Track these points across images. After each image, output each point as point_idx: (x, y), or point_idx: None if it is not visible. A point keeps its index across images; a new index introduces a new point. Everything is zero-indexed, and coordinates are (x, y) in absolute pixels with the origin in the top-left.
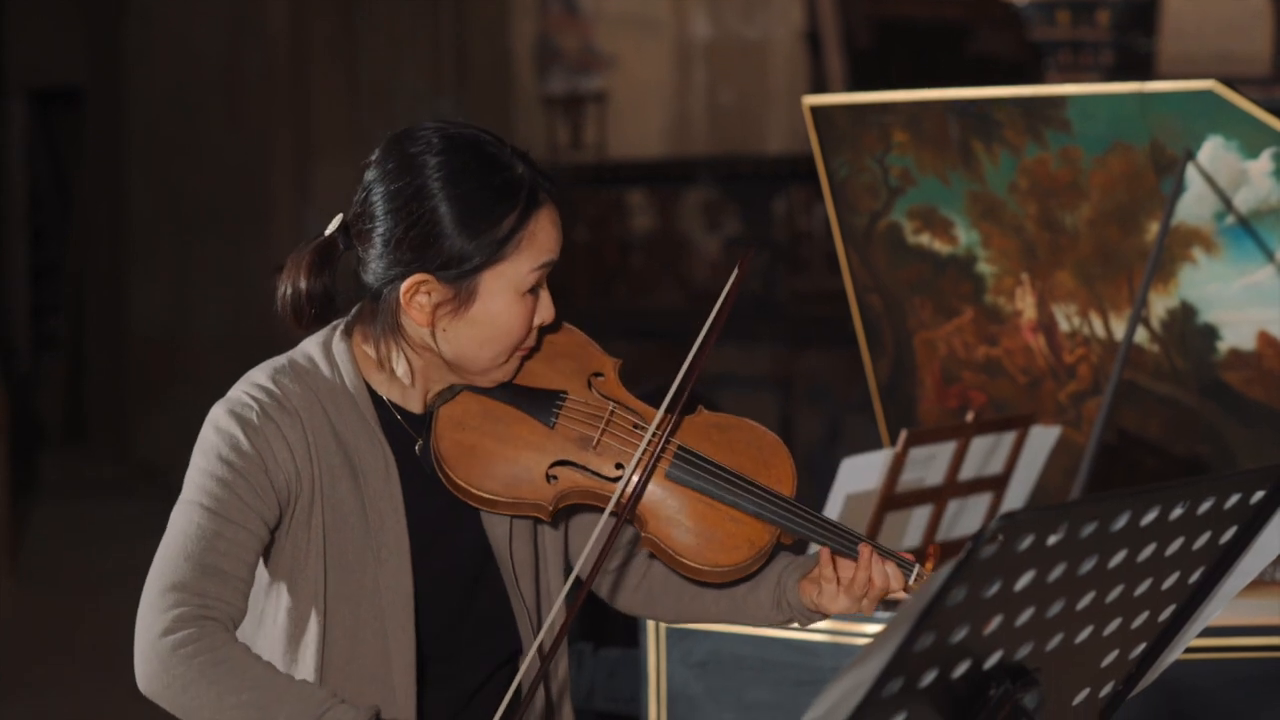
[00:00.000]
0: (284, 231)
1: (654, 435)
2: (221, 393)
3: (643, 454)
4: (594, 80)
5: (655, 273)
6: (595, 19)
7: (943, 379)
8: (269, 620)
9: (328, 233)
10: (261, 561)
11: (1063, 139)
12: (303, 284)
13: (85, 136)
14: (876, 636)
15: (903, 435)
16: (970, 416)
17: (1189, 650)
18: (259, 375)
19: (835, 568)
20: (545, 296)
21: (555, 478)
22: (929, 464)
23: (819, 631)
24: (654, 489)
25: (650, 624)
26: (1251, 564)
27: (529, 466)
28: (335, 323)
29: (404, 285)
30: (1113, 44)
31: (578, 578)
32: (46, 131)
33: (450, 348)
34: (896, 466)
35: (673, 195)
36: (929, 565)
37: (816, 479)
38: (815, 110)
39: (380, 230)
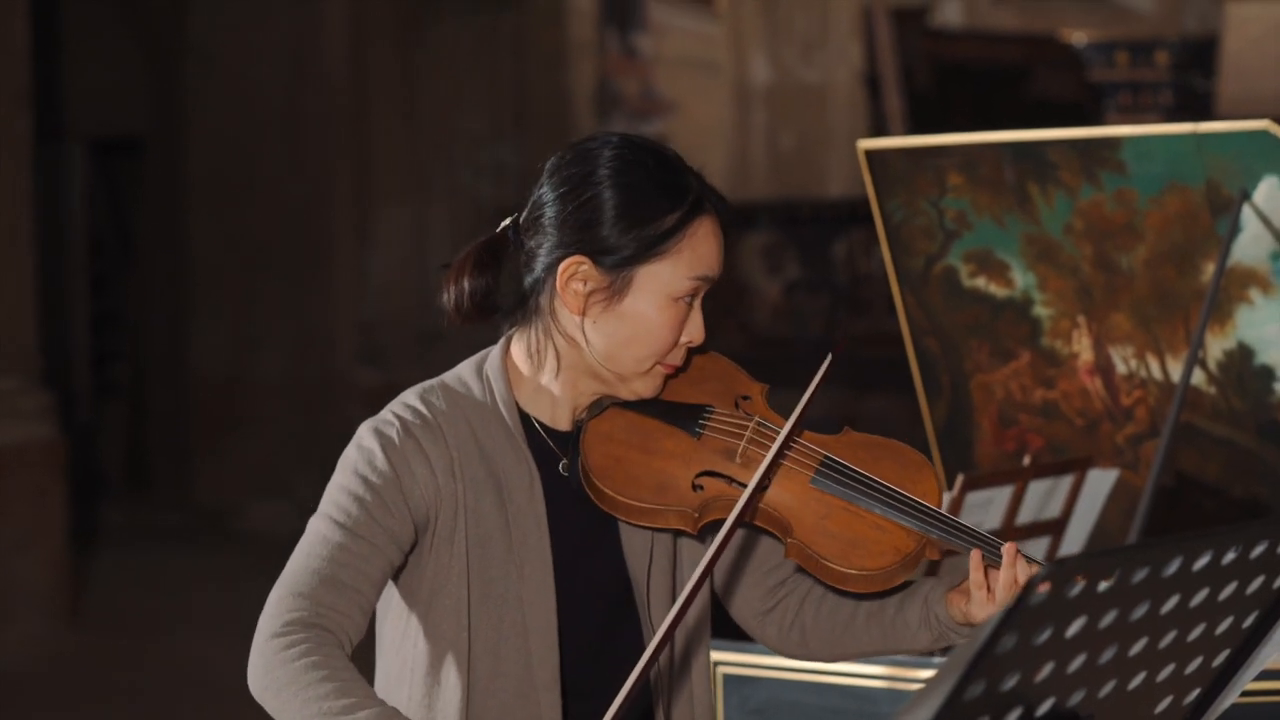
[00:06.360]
0: (344, 274)
1: (786, 436)
2: (282, 438)
3: (774, 456)
4: (654, 125)
5: (717, 317)
6: (654, 62)
7: (1000, 422)
8: (409, 645)
9: (498, 230)
10: (400, 592)
11: (1118, 180)
12: (465, 282)
13: (145, 182)
14: (926, 684)
15: (960, 479)
16: (1028, 460)
17: (1244, 694)
18: (409, 395)
19: (985, 574)
20: (697, 316)
21: (701, 487)
22: (987, 508)
23: (875, 678)
24: (798, 497)
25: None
26: None
27: (676, 476)
28: (487, 350)
29: (563, 264)
30: (1172, 85)
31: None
32: (107, 179)
33: (598, 341)
34: (954, 510)
35: (733, 239)
36: None
37: None
38: (870, 154)
39: (549, 215)
